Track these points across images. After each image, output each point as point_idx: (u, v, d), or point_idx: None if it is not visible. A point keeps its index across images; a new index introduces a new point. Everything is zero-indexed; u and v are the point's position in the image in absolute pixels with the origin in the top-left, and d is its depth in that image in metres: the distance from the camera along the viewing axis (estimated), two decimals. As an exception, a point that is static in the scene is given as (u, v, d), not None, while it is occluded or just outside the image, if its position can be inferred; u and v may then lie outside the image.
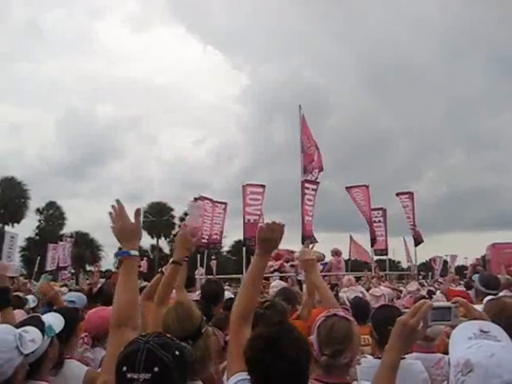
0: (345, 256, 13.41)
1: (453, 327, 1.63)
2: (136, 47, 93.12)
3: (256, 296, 2.24)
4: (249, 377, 1.79)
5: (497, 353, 1.35)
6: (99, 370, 2.25)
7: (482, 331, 1.46)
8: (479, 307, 2.20)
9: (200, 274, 9.70)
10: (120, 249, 2.02)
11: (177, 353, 1.49)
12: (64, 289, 7.86)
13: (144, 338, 1.50)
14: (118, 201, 2.07)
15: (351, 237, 13.53)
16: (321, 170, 10.24)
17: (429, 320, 1.71)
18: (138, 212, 2.09)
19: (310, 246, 3.46)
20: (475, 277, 5.04)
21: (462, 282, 8.19)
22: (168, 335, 1.59)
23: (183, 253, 3.09)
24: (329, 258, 11.51)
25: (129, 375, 1.42)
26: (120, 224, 2.04)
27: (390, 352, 1.74)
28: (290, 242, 12.40)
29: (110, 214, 2.06)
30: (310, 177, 10.17)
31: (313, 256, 3.16)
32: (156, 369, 1.42)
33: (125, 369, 1.43)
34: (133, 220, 2.06)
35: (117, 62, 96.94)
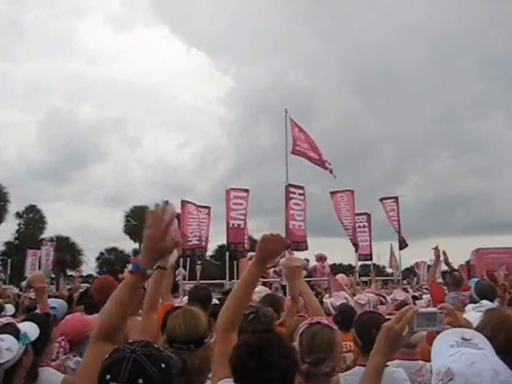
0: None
1: (437, 333, 1.65)
2: (118, 48, 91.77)
3: (246, 303, 2.21)
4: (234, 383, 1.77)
5: (477, 361, 1.36)
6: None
7: (463, 339, 1.48)
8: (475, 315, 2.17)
9: (182, 275, 9.51)
10: (135, 262, 1.79)
11: (163, 365, 1.45)
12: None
13: (131, 347, 1.47)
14: (166, 202, 1.80)
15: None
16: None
17: (414, 326, 1.72)
18: (177, 243, 1.83)
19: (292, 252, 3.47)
20: (472, 281, 4.98)
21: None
22: (155, 345, 1.54)
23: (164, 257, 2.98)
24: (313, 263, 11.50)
25: None
26: (158, 236, 1.74)
27: (375, 357, 1.75)
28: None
29: (151, 213, 1.75)
30: (328, 170, 10.12)
31: (298, 263, 3.14)
32: (140, 381, 1.38)
33: (108, 377, 1.40)
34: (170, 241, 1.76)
35: (99, 63, 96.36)
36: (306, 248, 10.20)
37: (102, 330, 1.75)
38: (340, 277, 9.42)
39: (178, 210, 9.93)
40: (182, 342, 2.22)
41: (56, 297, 6.55)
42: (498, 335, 1.92)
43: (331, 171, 10.29)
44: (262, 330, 1.98)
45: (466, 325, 1.92)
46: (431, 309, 1.93)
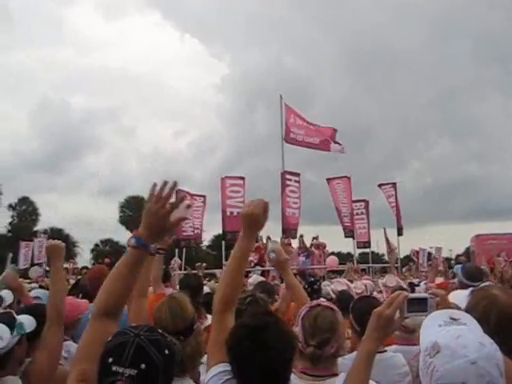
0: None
1: None
2: (110, 35, 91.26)
3: (240, 281, 2.13)
4: (230, 368, 1.73)
5: (463, 334, 1.41)
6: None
7: (452, 319, 1.51)
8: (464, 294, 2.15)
9: (177, 265, 9.37)
10: (136, 233, 1.69)
11: (166, 351, 1.44)
12: (34, 285, 7.50)
13: (135, 331, 1.44)
14: (175, 182, 1.71)
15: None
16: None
17: (405, 311, 1.74)
18: (181, 220, 1.75)
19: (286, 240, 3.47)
20: (457, 268, 4.90)
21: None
22: (159, 331, 1.53)
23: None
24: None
25: (114, 368, 1.36)
26: (160, 207, 1.68)
27: (366, 342, 1.75)
28: (274, 236, 12.22)
29: (154, 187, 1.68)
30: (341, 149, 9.95)
31: (286, 256, 3.08)
32: (143, 366, 1.36)
33: (111, 360, 1.38)
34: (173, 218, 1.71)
35: (90, 51, 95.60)
36: (295, 236, 10.10)
37: (102, 307, 1.69)
38: (331, 258, 9.34)
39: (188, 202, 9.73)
40: (169, 333, 2.14)
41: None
42: (490, 316, 1.89)
43: (341, 150, 10.08)
44: (261, 312, 1.93)
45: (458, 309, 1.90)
46: (422, 294, 1.95)
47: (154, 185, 1.70)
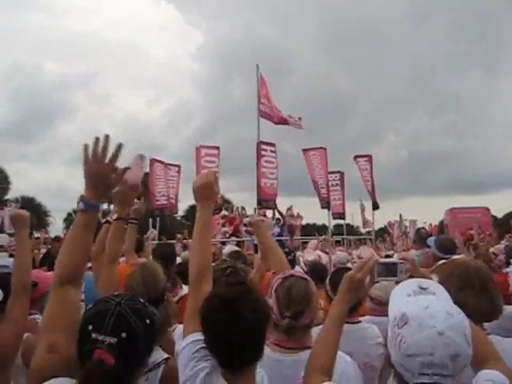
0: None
1: (397, 283, 1.69)
2: (84, 0, 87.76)
3: (209, 249, 2.13)
4: (203, 337, 1.72)
5: (431, 305, 1.41)
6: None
7: (420, 288, 1.52)
8: None
9: (152, 236, 9.28)
10: (83, 196, 1.71)
11: (147, 321, 1.43)
12: (3, 254, 7.33)
13: (116, 299, 1.44)
14: (107, 136, 1.71)
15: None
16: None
17: (375, 275, 1.78)
18: (124, 170, 1.76)
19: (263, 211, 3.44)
20: (430, 240, 4.93)
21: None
22: (141, 300, 1.53)
23: (123, 208, 2.84)
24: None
25: (93, 335, 1.35)
26: (101, 168, 1.70)
27: (336, 304, 1.79)
28: (250, 207, 12.18)
29: (86, 146, 1.69)
30: (295, 125, 9.91)
31: (262, 217, 3.01)
32: (124, 334, 1.36)
33: (90, 327, 1.37)
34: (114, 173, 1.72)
35: (63, 16, 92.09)
36: (275, 206, 10.06)
37: (62, 274, 1.68)
38: (312, 243, 9.37)
39: (147, 169, 9.63)
40: None
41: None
42: (472, 280, 1.98)
43: (299, 126, 10.06)
44: (234, 283, 1.93)
45: (427, 276, 1.92)
46: (392, 259, 1.96)
47: (86, 146, 1.70)
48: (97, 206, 1.73)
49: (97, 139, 1.69)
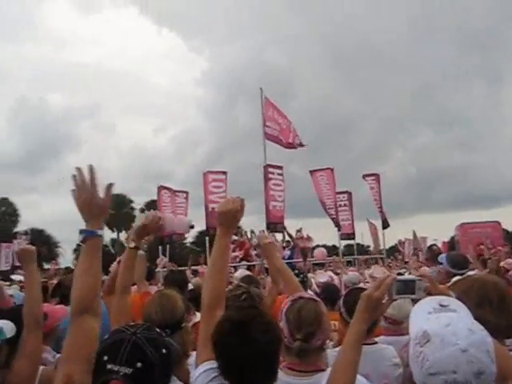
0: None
1: (416, 301, 1.64)
2: (86, 31, 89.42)
3: (225, 276, 2.13)
4: (217, 365, 1.70)
5: (452, 322, 1.39)
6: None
7: (441, 305, 1.50)
8: None
9: (163, 263, 9.25)
10: (82, 230, 1.78)
11: (163, 351, 1.42)
12: (15, 286, 7.34)
13: (132, 330, 1.43)
14: (91, 166, 1.79)
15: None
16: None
17: (393, 293, 1.74)
18: (110, 186, 1.84)
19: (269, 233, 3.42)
20: (442, 256, 4.89)
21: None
22: (157, 330, 1.52)
23: (142, 236, 2.80)
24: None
25: (109, 366, 1.34)
26: (87, 195, 1.79)
27: (355, 325, 1.76)
28: (259, 230, 12.08)
29: (75, 177, 1.79)
30: (297, 144, 10.00)
31: (271, 239, 3.04)
32: (139, 364, 1.34)
33: (106, 358, 1.35)
34: (102, 195, 1.83)
35: (66, 48, 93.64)
36: (284, 229, 10.01)
37: (77, 303, 1.70)
38: (319, 251, 9.30)
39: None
40: (157, 327, 2.10)
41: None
42: (471, 291, 1.95)
43: (301, 144, 10.13)
44: (246, 307, 1.97)
45: (445, 293, 1.90)
46: (410, 276, 1.94)
47: (74, 175, 1.80)
48: (95, 232, 1.78)
49: (79, 170, 1.80)
